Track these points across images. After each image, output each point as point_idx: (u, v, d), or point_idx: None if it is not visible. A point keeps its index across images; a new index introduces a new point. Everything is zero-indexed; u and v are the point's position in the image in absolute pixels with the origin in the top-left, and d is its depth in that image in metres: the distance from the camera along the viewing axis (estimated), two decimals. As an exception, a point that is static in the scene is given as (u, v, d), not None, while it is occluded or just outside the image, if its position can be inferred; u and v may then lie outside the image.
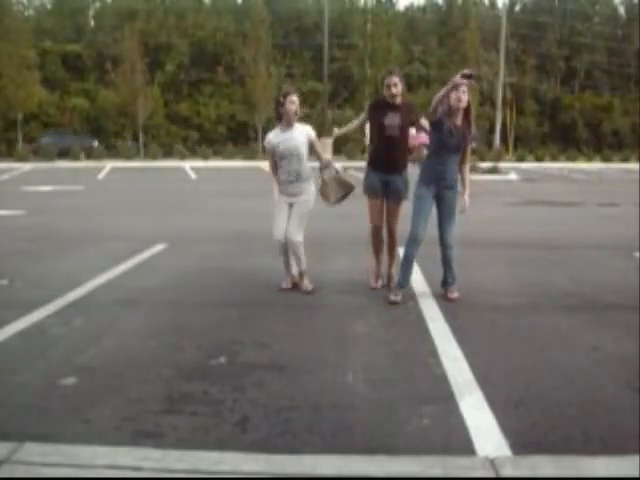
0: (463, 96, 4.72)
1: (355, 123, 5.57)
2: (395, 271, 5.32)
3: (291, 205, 5.24)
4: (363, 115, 5.42)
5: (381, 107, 5.16)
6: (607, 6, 48.45)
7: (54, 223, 9.65)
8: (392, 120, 5.08)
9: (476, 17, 36.75)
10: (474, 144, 5.03)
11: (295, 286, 5.35)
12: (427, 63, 41.78)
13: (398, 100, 5.09)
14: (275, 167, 5.26)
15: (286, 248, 5.24)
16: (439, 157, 4.88)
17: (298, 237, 5.16)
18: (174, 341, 3.99)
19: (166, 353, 3.77)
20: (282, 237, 5.21)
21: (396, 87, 5.04)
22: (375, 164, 5.25)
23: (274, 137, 5.18)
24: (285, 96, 5.03)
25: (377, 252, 5.43)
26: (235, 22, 41.28)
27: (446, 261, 5.07)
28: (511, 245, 7.78)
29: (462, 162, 5.04)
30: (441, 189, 4.92)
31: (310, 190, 5.24)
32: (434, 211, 5.01)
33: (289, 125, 5.10)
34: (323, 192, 5.37)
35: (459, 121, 4.83)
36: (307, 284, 5.30)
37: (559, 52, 45.27)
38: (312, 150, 5.21)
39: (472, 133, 4.94)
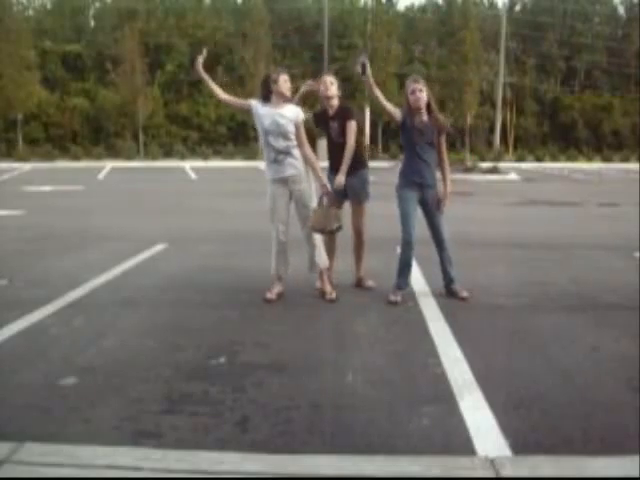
0: (420, 94, 4.79)
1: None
2: (364, 273, 5.43)
3: (290, 194, 4.93)
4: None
5: (322, 118, 5.20)
6: (607, 6, 48.41)
7: (54, 223, 9.65)
8: (333, 128, 5.13)
9: (476, 17, 36.67)
10: (445, 135, 5.01)
11: (280, 296, 5.02)
12: (427, 63, 41.75)
13: (334, 104, 5.10)
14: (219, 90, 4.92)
15: (285, 248, 5.02)
16: (414, 156, 4.92)
17: (316, 241, 4.99)
18: (174, 341, 3.99)
19: (166, 353, 3.77)
20: (283, 234, 4.97)
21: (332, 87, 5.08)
22: (330, 170, 5.25)
23: (260, 107, 4.85)
24: (279, 74, 4.82)
25: (332, 256, 5.37)
26: (235, 22, 41.27)
27: (445, 259, 5.08)
28: (511, 245, 7.78)
29: (440, 158, 5.02)
30: (423, 189, 4.95)
31: (303, 173, 4.91)
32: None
33: (279, 104, 4.84)
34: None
35: (425, 117, 4.87)
36: (329, 290, 5.02)
37: (559, 52, 45.23)
38: (296, 134, 4.85)
39: (443, 125, 4.96)
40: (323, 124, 5.22)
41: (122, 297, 5.10)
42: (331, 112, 5.14)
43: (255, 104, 4.91)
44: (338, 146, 5.14)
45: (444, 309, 4.71)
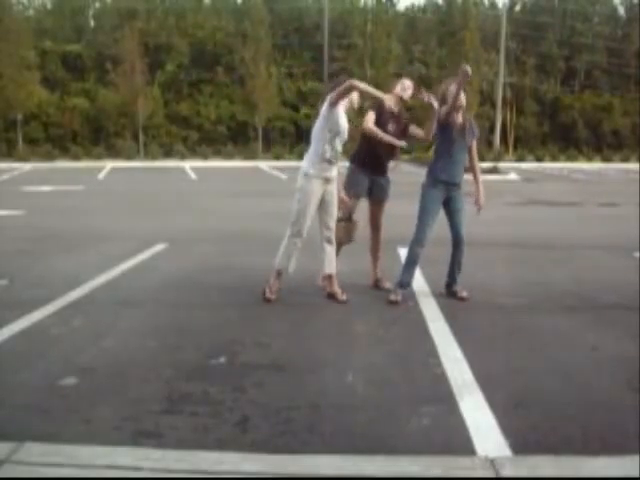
0: (463, 97, 4.80)
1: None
2: (382, 274, 5.42)
3: (323, 194, 4.93)
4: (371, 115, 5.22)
5: (384, 112, 5.17)
6: (607, 6, 48.40)
7: (54, 223, 9.65)
8: (393, 125, 5.17)
9: (476, 17, 36.73)
10: (477, 139, 5.07)
11: (278, 293, 5.01)
12: (427, 63, 41.74)
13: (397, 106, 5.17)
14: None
15: (301, 246, 4.95)
16: (446, 154, 4.90)
17: (334, 245, 5.04)
18: (174, 341, 3.99)
19: (166, 353, 3.77)
20: (306, 231, 4.92)
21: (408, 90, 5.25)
22: (364, 165, 5.28)
23: (341, 108, 4.82)
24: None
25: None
26: (235, 22, 41.26)
27: (456, 262, 5.11)
28: (511, 245, 7.78)
29: (472, 160, 5.03)
30: (449, 188, 4.94)
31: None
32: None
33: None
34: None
35: (461, 119, 4.88)
36: (340, 292, 5.02)
37: (559, 52, 45.22)
38: None
39: (475, 129, 4.99)
40: (383, 120, 5.15)
41: (122, 297, 5.10)
42: (396, 111, 5.16)
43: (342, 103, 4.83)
44: (391, 145, 5.17)
45: (444, 309, 4.71)
